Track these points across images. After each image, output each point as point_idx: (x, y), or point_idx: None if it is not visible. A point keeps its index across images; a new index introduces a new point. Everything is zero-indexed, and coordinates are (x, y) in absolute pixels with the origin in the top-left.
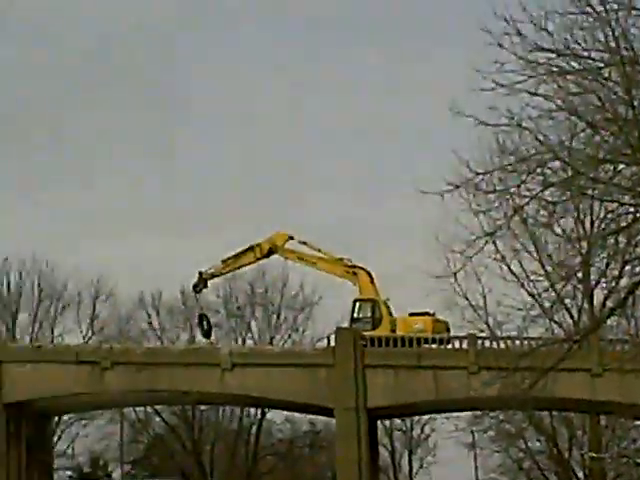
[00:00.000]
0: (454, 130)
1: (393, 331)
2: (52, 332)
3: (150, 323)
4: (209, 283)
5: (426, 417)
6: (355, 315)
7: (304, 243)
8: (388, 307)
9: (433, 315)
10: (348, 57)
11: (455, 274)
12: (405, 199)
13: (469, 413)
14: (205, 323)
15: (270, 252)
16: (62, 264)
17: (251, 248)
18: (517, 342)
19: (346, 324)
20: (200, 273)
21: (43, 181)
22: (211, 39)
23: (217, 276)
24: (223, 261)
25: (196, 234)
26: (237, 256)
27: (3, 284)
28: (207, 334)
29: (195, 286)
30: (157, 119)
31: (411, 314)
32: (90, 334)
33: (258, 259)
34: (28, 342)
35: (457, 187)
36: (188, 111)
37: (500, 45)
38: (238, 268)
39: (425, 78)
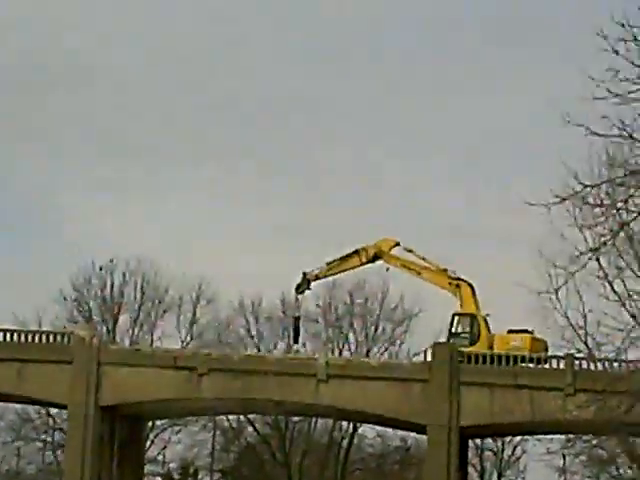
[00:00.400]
0: (564, 140)
1: (491, 348)
2: (151, 335)
3: (248, 330)
4: (312, 285)
5: (518, 438)
6: (453, 329)
7: (410, 251)
8: (487, 323)
9: (532, 333)
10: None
11: (557, 291)
12: (511, 210)
13: (562, 436)
14: (296, 327)
15: (375, 257)
16: (166, 267)
17: (356, 252)
18: (615, 364)
19: (444, 338)
20: (304, 274)
21: (154, 185)
22: None
23: (321, 278)
24: (328, 263)
25: (299, 241)
26: (342, 259)
27: (106, 285)
28: (295, 339)
29: (298, 287)
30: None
31: (510, 331)
32: (189, 339)
33: (363, 263)
34: (128, 344)
35: (564, 200)
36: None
37: (615, 52)
38: (343, 271)
39: (537, 85)
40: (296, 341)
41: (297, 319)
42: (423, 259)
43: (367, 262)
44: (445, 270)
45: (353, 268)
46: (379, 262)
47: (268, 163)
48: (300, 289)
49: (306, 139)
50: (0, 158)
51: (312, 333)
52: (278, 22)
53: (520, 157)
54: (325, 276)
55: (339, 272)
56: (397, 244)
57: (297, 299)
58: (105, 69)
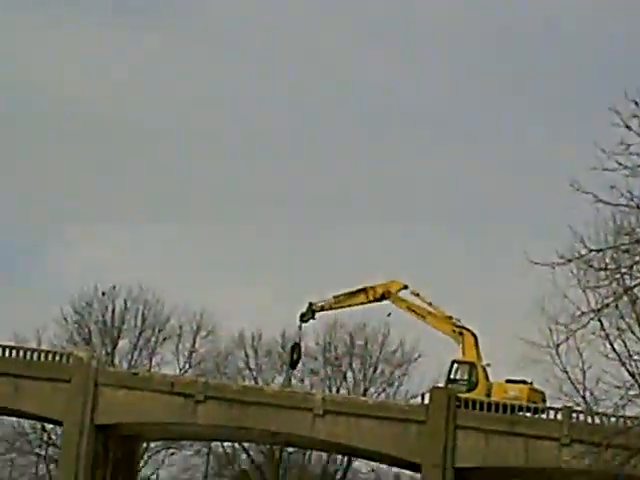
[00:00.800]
0: (571, 205)
1: (488, 395)
2: (150, 361)
3: (247, 362)
4: (317, 315)
5: None
6: (452, 376)
7: (417, 295)
8: (485, 371)
9: (530, 384)
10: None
11: (557, 346)
12: (515, 268)
13: None
14: (296, 353)
15: (382, 297)
16: (168, 296)
17: (364, 290)
18: (612, 419)
19: (441, 383)
20: (310, 304)
21: (157, 213)
22: None
23: (326, 310)
24: (335, 297)
25: (300, 279)
26: (349, 294)
27: (108, 310)
28: (294, 365)
29: (302, 315)
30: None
31: (508, 380)
32: (187, 367)
33: (369, 301)
34: (126, 368)
35: (569, 261)
36: None
37: (628, 127)
38: (348, 306)
39: (549, 155)
40: (294, 367)
41: (297, 345)
42: (429, 304)
43: (374, 300)
44: (450, 317)
45: (359, 305)
46: (385, 302)
47: (268, 195)
48: (304, 318)
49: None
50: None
51: (311, 369)
52: None
53: (528, 220)
54: (330, 308)
55: (345, 307)
56: (405, 287)
57: (300, 327)
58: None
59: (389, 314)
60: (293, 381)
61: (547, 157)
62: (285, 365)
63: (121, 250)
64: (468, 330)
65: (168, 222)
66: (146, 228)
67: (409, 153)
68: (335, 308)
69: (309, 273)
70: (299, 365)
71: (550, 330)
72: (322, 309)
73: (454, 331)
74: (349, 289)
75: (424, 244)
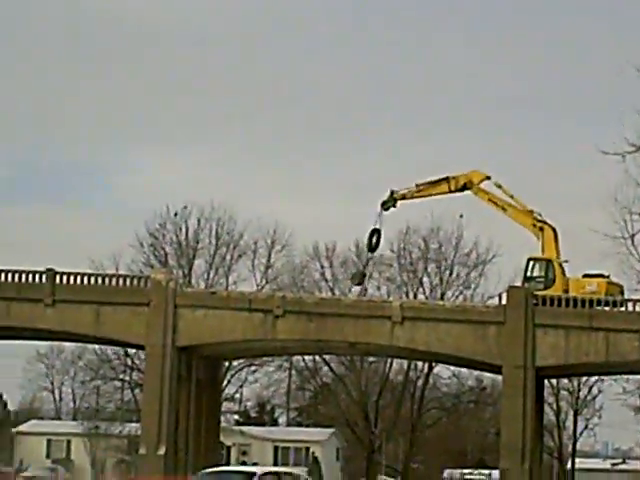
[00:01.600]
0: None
1: (566, 292)
2: (227, 279)
3: (323, 274)
4: (398, 204)
5: (594, 378)
6: (528, 274)
7: (499, 186)
8: (562, 268)
9: (608, 277)
10: None
11: (632, 237)
12: (586, 159)
13: (638, 377)
14: (375, 238)
15: (464, 187)
16: (240, 213)
17: (446, 179)
18: None
19: (518, 282)
20: (392, 191)
21: (230, 130)
22: None
23: (408, 198)
24: (417, 185)
25: (370, 188)
26: (432, 183)
27: (182, 231)
28: (373, 249)
29: (384, 203)
30: None
31: (585, 275)
32: (264, 283)
33: (451, 191)
34: (203, 288)
35: (639, 148)
36: None
37: None
38: (430, 195)
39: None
40: (373, 251)
41: (377, 231)
42: (511, 197)
43: (455, 191)
44: (531, 211)
45: (441, 194)
46: (467, 192)
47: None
48: (385, 205)
49: None
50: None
51: (386, 277)
52: None
53: (596, 107)
54: (412, 197)
55: (426, 196)
56: (487, 177)
57: (380, 214)
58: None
59: (461, 215)
60: (370, 290)
61: (613, 44)
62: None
63: (189, 169)
64: (549, 225)
65: (232, 139)
66: (209, 146)
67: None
68: (417, 197)
69: (379, 183)
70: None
71: (625, 221)
72: (404, 197)
73: (534, 225)
74: (431, 178)
75: (498, 133)
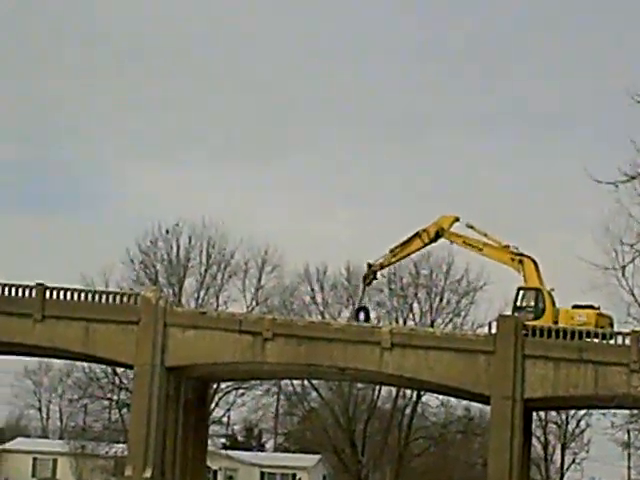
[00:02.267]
0: (633, 118)
1: (555, 322)
2: (217, 299)
3: (313, 297)
4: (378, 274)
5: (582, 412)
6: (518, 303)
7: (471, 227)
8: (552, 297)
9: (597, 309)
10: None
11: (623, 268)
12: (577, 188)
13: (626, 411)
14: (363, 315)
15: (437, 236)
16: (232, 231)
17: (417, 234)
18: None
19: (508, 311)
20: (369, 265)
21: (223, 150)
22: None
23: (386, 266)
24: (391, 250)
25: (358, 214)
26: (404, 244)
27: (173, 248)
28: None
29: (365, 278)
30: None
31: (574, 306)
32: (254, 304)
33: (426, 244)
34: (193, 307)
35: (632, 178)
36: None
37: None
38: (407, 255)
39: (609, 65)
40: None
41: (363, 309)
42: (485, 235)
43: (430, 242)
44: (507, 246)
45: (417, 250)
46: (441, 240)
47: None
48: (367, 280)
49: None
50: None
51: (376, 302)
52: None
53: (586, 135)
54: (390, 263)
55: (404, 257)
56: (457, 219)
57: (364, 290)
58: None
59: (451, 242)
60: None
61: (609, 70)
62: (351, 298)
63: (181, 187)
64: (527, 257)
65: (230, 160)
66: (207, 165)
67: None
68: (395, 262)
69: (369, 208)
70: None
71: (615, 251)
72: (382, 267)
73: (513, 260)
74: (402, 239)
75: (482, 163)
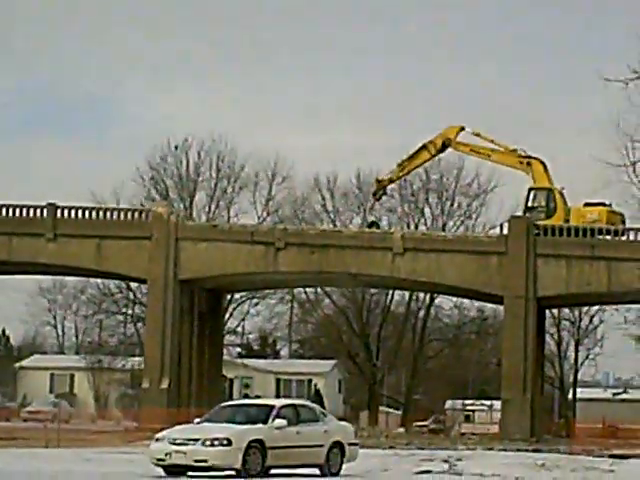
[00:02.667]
0: None
1: (567, 221)
2: (228, 212)
3: (324, 206)
4: (388, 189)
5: (595, 308)
6: (529, 204)
7: (477, 134)
8: (563, 196)
9: (609, 206)
10: None
11: (634, 164)
12: (588, 87)
13: (639, 306)
14: (375, 229)
15: (444, 147)
16: (240, 145)
17: (424, 146)
18: None
19: (519, 212)
20: (378, 180)
21: (229, 62)
22: None
23: (395, 181)
24: (398, 165)
25: (369, 121)
26: (412, 157)
27: (182, 164)
28: None
29: (374, 193)
30: None
31: (586, 204)
32: (265, 215)
33: (433, 155)
34: (205, 221)
35: None
36: None
37: None
38: (415, 168)
39: None
40: None
41: (375, 223)
42: (492, 141)
43: (437, 153)
44: (515, 150)
45: (425, 162)
46: (448, 150)
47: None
48: (377, 195)
49: None
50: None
51: (388, 208)
52: None
53: (595, 33)
54: (399, 177)
55: (412, 170)
56: (462, 128)
57: (373, 205)
58: None
59: (459, 151)
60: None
61: None
62: (362, 206)
63: (189, 102)
64: (535, 158)
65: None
66: (211, 80)
67: None
68: (403, 175)
69: (377, 111)
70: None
71: (626, 149)
72: (391, 181)
73: (521, 162)
74: (409, 152)
75: (485, 77)
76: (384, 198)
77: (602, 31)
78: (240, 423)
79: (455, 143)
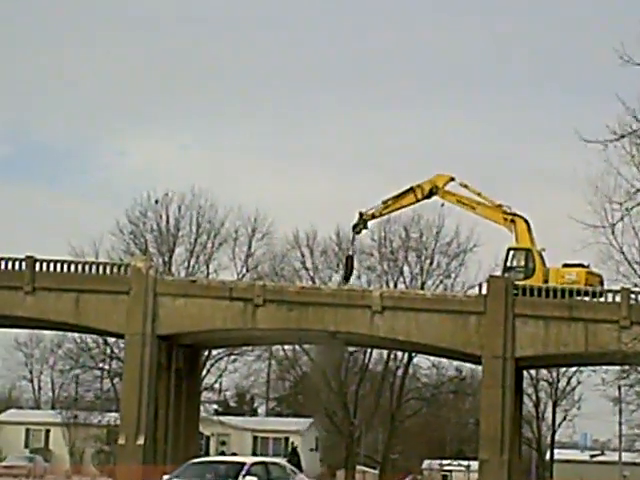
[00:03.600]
0: (621, 78)
1: (546, 281)
2: (207, 267)
3: (304, 263)
4: (369, 224)
5: (573, 369)
6: (508, 264)
7: (465, 186)
8: (542, 257)
9: (587, 267)
10: None
11: (613, 226)
12: (567, 148)
13: (617, 367)
14: (349, 265)
15: (431, 193)
16: (221, 200)
17: (412, 189)
18: None
19: (498, 272)
20: (361, 214)
21: (204, 115)
22: None
23: (377, 217)
24: (383, 202)
25: (350, 175)
26: (398, 197)
27: (162, 218)
28: (347, 277)
29: (355, 226)
30: None
31: (565, 265)
32: (244, 271)
33: (418, 200)
34: (184, 276)
35: (621, 137)
36: None
37: None
38: (399, 209)
39: (594, 21)
40: (347, 280)
41: (351, 258)
42: (478, 194)
43: (423, 198)
44: (500, 205)
45: (409, 205)
46: (434, 198)
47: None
48: (357, 229)
49: None
50: (55, 86)
51: (367, 266)
52: None
53: (575, 94)
54: (381, 214)
55: (395, 210)
56: (452, 179)
57: (353, 238)
58: None
59: (442, 204)
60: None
61: (594, 30)
62: (341, 263)
63: (171, 156)
64: (520, 216)
65: (216, 127)
66: (193, 133)
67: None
68: (386, 213)
69: (358, 169)
70: (355, 266)
71: (605, 210)
72: (373, 217)
73: (505, 219)
74: (396, 192)
75: (467, 128)
76: (363, 256)
77: (582, 90)
78: None
79: (443, 192)
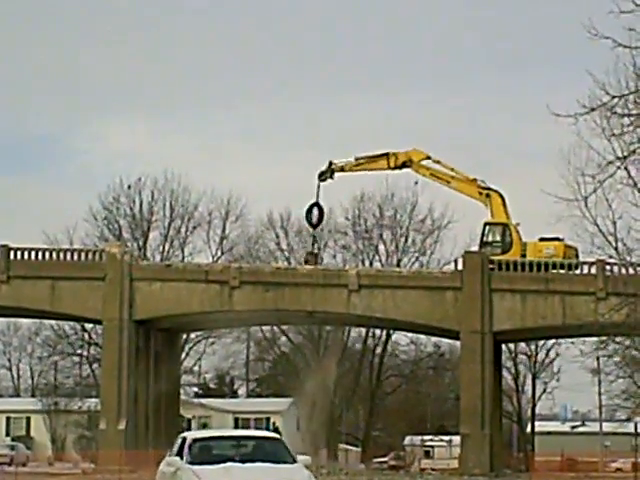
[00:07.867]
0: (590, 52)
1: (523, 256)
2: (182, 251)
3: (278, 244)
4: (335, 176)
5: (551, 342)
6: (485, 239)
7: (438, 162)
8: (518, 231)
9: (563, 240)
10: None
11: (586, 199)
12: (539, 123)
13: (595, 338)
14: (317, 211)
15: (404, 165)
16: (194, 184)
17: (386, 155)
18: None
19: (474, 248)
20: (330, 163)
21: (184, 102)
22: None
23: (346, 171)
24: (356, 158)
25: (324, 156)
26: (371, 158)
27: (135, 203)
28: (315, 224)
29: (321, 174)
30: None
31: (541, 239)
32: (219, 254)
33: (390, 168)
34: (159, 261)
35: (592, 110)
36: None
37: None
38: (369, 170)
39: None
40: (315, 228)
41: (316, 204)
42: (452, 169)
43: (395, 168)
44: (474, 180)
45: (379, 170)
46: (406, 170)
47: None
48: (323, 177)
49: None
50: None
51: (342, 245)
52: None
53: (546, 69)
54: (351, 170)
55: (365, 170)
56: (428, 157)
57: (318, 186)
58: None
59: (416, 182)
60: (325, 258)
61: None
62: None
63: (143, 140)
64: (495, 191)
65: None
66: (164, 118)
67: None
68: (355, 170)
69: (334, 149)
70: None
71: (577, 183)
72: (342, 170)
73: (480, 193)
74: (371, 153)
75: (438, 104)
76: (338, 235)
77: (553, 63)
78: None
79: (417, 165)
